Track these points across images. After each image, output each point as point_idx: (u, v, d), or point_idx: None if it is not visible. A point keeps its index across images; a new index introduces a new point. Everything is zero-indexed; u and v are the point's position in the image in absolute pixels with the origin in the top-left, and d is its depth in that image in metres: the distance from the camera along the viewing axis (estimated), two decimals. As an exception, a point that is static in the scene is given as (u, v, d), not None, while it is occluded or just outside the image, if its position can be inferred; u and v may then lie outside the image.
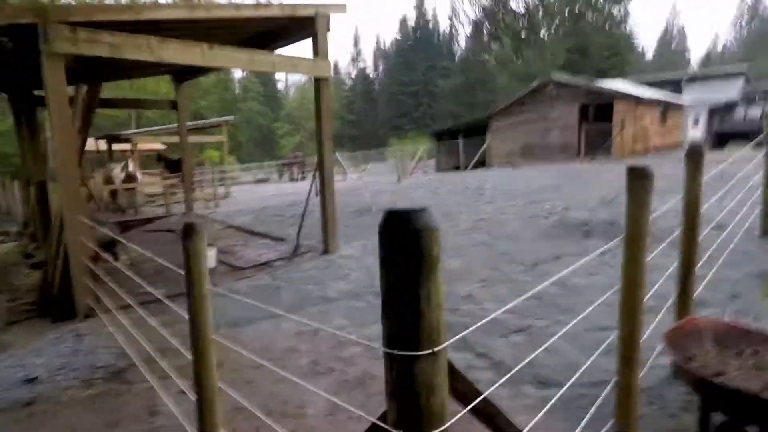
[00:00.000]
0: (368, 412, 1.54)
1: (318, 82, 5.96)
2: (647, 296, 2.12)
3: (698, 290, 4.00)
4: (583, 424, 2.02)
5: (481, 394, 1.51)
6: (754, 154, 5.78)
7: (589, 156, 14.18)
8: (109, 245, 6.57)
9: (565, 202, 8.38)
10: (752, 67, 28.71)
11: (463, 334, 1.62)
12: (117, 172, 11.45)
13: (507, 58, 32.13)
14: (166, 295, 5.20)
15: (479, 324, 1.72)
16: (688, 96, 22.27)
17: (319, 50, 5.85)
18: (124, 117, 30.65)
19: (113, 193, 11.97)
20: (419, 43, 63.28)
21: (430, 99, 59.72)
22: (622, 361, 1.88)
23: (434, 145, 20.33)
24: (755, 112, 19.18)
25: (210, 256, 6.06)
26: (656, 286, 2.91)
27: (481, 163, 16.75)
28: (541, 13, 33.80)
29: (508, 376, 1.86)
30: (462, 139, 16.16)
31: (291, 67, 5.62)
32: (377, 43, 72.93)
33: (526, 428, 1.59)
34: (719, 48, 66.40)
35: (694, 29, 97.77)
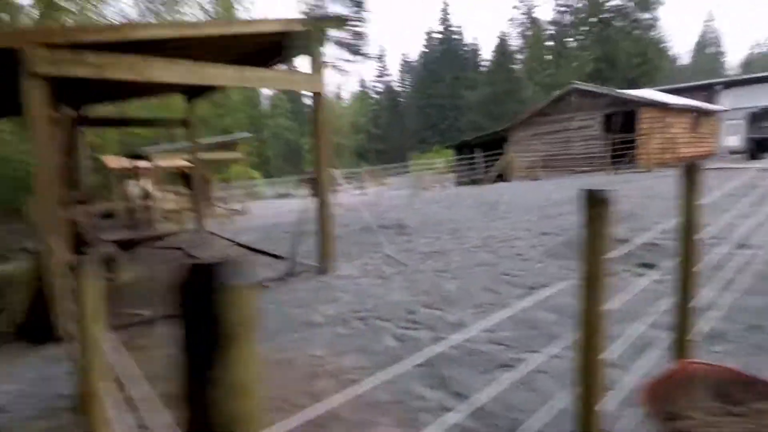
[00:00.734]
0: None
1: (314, 97, 5.83)
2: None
3: (714, 320, 3.58)
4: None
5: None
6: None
7: (613, 168, 13.55)
8: (109, 264, 6.57)
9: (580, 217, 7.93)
10: (795, 71, 27.18)
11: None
12: (133, 189, 11.66)
13: (533, 69, 31.53)
14: (152, 317, 5.14)
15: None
16: (726, 102, 21.18)
17: (314, 65, 5.73)
18: (157, 135, 31.63)
19: (131, 210, 12.20)
20: (445, 55, 63.25)
21: (457, 111, 59.38)
22: None
23: (455, 158, 19.99)
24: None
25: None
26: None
27: (501, 176, 16.30)
28: (568, 21, 33.15)
29: None
30: (481, 151, 15.76)
31: (284, 82, 5.53)
32: (403, 56, 73.27)
33: None
34: (759, 52, 63.50)
35: (733, 34, 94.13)
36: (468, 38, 66.58)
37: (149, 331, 4.62)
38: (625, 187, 10.51)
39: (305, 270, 6.36)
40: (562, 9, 32.38)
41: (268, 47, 6.46)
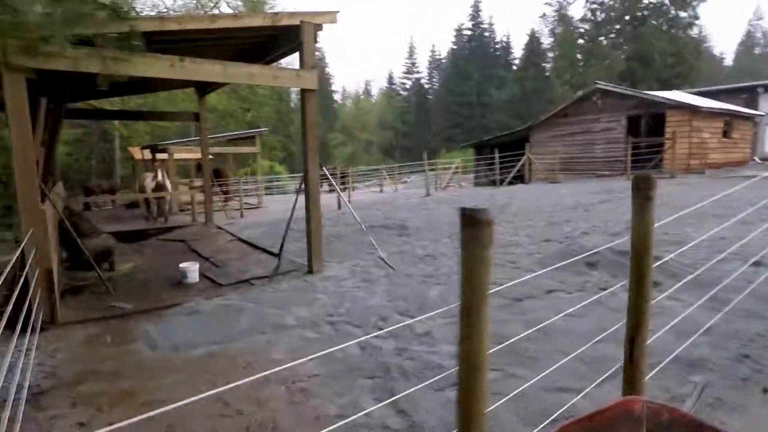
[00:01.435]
0: None
1: (303, 94, 5.72)
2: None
3: (700, 346, 3.29)
4: None
5: None
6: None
7: (636, 172, 12.91)
8: (105, 254, 6.66)
9: (589, 224, 7.58)
10: None
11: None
12: (148, 181, 11.86)
13: (563, 68, 30.56)
14: (136, 309, 5.15)
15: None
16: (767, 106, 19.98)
17: (305, 61, 5.62)
18: (183, 127, 32.29)
19: (147, 201, 12.44)
20: (474, 52, 62.30)
21: (484, 110, 58.47)
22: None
23: (474, 157, 19.60)
24: None
25: (192, 271, 5.96)
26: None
27: (520, 178, 15.86)
28: (600, 19, 31.98)
29: None
30: (498, 152, 15.36)
31: (272, 78, 5.43)
32: (432, 52, 72.46)
33: None
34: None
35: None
36: (500, 35, 65.41)
37: (122, 325, 4.63)
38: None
39: (294, 269, 6.29)
40: (594, 6, 31.19)
41: (265, 43, 6.40)
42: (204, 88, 9.92)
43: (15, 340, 4.01)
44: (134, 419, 1.26)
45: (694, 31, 31.56)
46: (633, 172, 13.30)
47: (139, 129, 25.56)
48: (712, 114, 13.77)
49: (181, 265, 5.98)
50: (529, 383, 2.90)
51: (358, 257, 6.85)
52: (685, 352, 3.20)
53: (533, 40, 51.70)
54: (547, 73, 49.33)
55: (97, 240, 6.55)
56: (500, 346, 3.57)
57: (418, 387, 3.05)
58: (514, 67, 59.80)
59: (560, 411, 2.67)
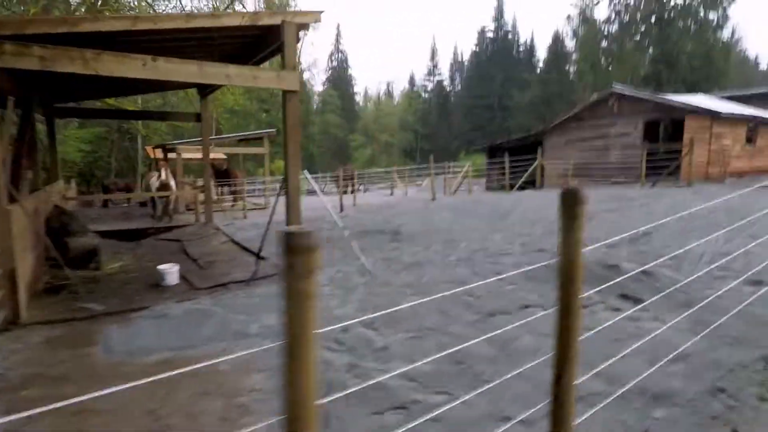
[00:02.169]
0: None
1: (284, 96, 5.59)
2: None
3: (672, 376, 2.99)
4: None
5: None
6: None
7: (650, 180, 12.38)
8: (91, 254, 6.67)
9: (588, 234, 7.21)
10: None
11: None
12: (153, 180, 11.97)
13: (584, 70, 29.76)
14: (105, 311, 5.10)
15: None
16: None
17: (286, 62, 5.49)
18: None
19: (152, 200, 12.58)
20: (497, 54, 61.53)
21: (506, 113, 57.67)
22: None
23: (487, 161, 19.20)
24: None
25: (170, 273, 5.90)
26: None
27: (532, 183, 15.44)
28: (625, 20, 31.02)
29: None
30: (509, 156, 14.98)
31: (251, 79, 5.31)
32: (455, 54, 71.98)
33: None
34: None
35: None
36: (524, 37, 64.50)
37: (87, 327, 4.57)
38: (660, 205, 9.59)
39: (275, 273, 6.16)
40: (619, 7, 30.24)
41: (254, 43, 6.31)
42: (205, 89, 9.93)
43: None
44: None
45: (724, 33, 30.34)
46: (649, 179, 12.76)
47: (158, 128, 26.05)
48: (735, 119, 13.07)
49: (159, 267, 5.92)
50: (473, 407, 2.69)
51: (344, 263, 6.68)
52: (653, 381, 2.92)
53: (557, 42, 50.72)
54: (571, 76, 48.31)
55: (83, 239, 6.57)
56: (457, 367, 3.37)
57: (354, 409, 2.87)
58: (538, 70, 58.80)
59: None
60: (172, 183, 12.30)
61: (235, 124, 38.25)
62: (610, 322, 3.83)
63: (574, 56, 42.17)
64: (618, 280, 4.69)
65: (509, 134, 53.46)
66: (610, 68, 28.46)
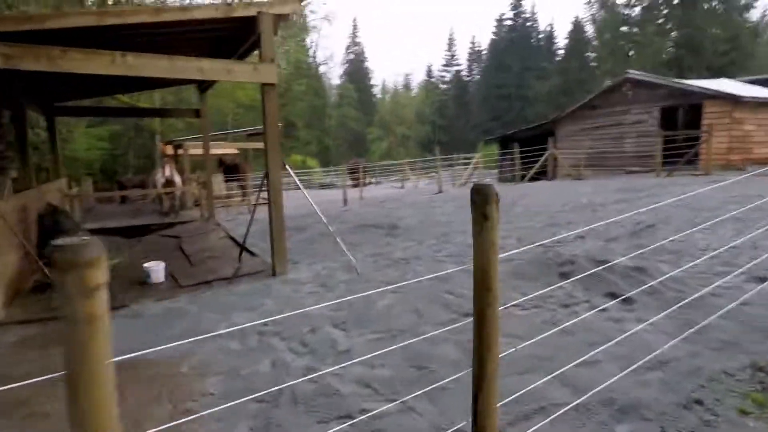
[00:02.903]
0: None
1: (262, 89, 5.45)
2: None
3: (648, 385, 2.74)
4: None
5: None
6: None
7: (666, 169, 11.83)
8: (81, 252, 6.68)
9: (590, 228, 6.90)
10: None
11: None
12: (159, 176, 12.06)
13: (603, 57, 28.69)
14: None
15: None
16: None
17: (263, 54, 5.34)
18: (219, 123, 33.07)
19: (159, 197, 12.70)
20: (515, 43, 60.18)
21: (524, 102, 56.44)
22: None
23: (499, 152, 18.75)
24: None
25: (156, 271, 5.86)
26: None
27: (543, 174, 15.00)
28: (646, 2, 29.73)
29: None
30: (521, 146, 14.56)
31: (225, 73, 5.17)
32: (472, 44, 70.67)
33: None
34: None
35: None
36: (543, 24, 62.87)
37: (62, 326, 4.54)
38: (673, 194, 9.14)
39: (261, 270, 6.07)
40: (640, -11, 29.05)
41: (239, 35, 6.18)
42: (203, 84, 9.89)
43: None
44: None
45: (752, 15, 28.65)
46: (665, 168, 12.21)
47: (173, 125, 26.38)
48: (758, 104, 12.31)
49: (145, 264, 5.90)
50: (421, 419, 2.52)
51: (332, 259, 6.54)
52: (624, 390, 2.68)
53: (577, 28, 49.22)
54: (592, 63, 46.88)
55: (75, 238, 6.58)
56: (418, 372, 3.18)
57: (300, 418, 2.72)
58: (558, 58, 57.29)
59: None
60: (177, 179, 12.37)
61: (251, 119, 38.47)
62: (575, 320, 3.59)
63: (595, 43, 40.81)
64: (593, 274, 4.42)
65: (527, 124, 52.28)
66: (630, 54, 27.30)
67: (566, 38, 52.32)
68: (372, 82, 73.79)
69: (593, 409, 2.58)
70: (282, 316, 4.16)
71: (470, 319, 4.02)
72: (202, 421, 2.82)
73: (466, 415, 2.64)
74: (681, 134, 12.33)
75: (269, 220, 5.87)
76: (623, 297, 4.02)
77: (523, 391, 2.56)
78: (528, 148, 15.45)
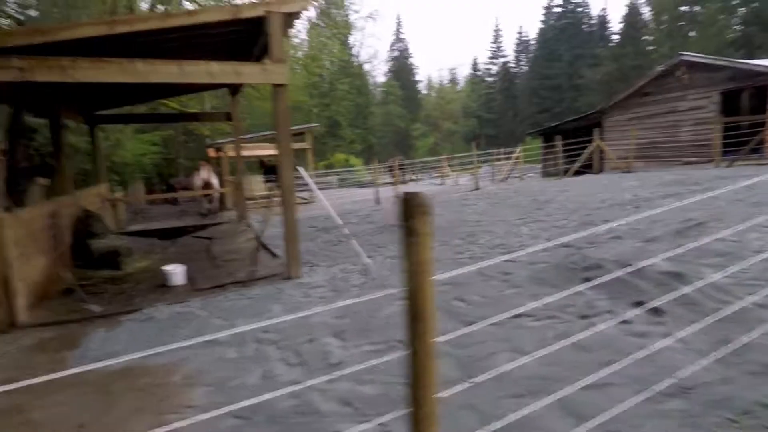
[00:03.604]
0: None
1: (273, 90, 5.37)
2: None
3: (667, 415, 2.36)
4: None
5: None
6: None
7: (727, 158, 10.73)
8: (112, 254, 6.94)
9: (630, 225, 6.31)
10: None
11: None
12: (197, 179, 12.43)
13: (659, 39, 26.66)
14: (102, 313, 5.22)
15: None
16: None
17: (273, 54, 5.25)
18: (264, 123, 33.86)
19: (197, 198, 13.12)
20: (565, 31, 57.58)
21: (575, 92, 53.88)
22: None
23: (542, 145, 17.88)
24: None
25: (175, 274, 5.95)
26: None
27: (589, 167, 14.12)
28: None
29: None
30: (564, 139, 13.77)
31: (234, 75, 5.11)
32: (519, 34, 68.34)
33: None
34: None
35: None
36: (595, 9, 59.69)
37: (77, 330, 4.66)
38: (730, 187, 8.24)
39: (277, 273, 6.01)
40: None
41: (253, 37, 6.15)
42: (234, 87, 10.04)
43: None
44: None
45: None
46: (725, 158, 11.10)
47: (221, 128, 27.32)
48: (840, 83, 10.86)
49: (163, 267, 5.99)
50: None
51: (352, 261, 6.37)
52: (635, 422, 2.32)
53: (633, 11, 46.25)
54: (650, 47, 43.96)
55: (105, 241, 6.84)
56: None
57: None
58: (612, 44, 54.19)
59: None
60: (215, 181, 12.70)
61: (297, 120, 39.21)
62: (591, 334, 3.20)
63: (652, 26, 38.13)
64: (616, 279, 3.97)
65: (577, 116, 49.60)
66: (690, 34, 25.14)
67: (621, 22, 49.32)
68: (417, 78, 73.29)
69: (594, 440, 2.24)
70: (278, 320, 4.04)
71: (470, 329, 3.70)
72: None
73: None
74: (745, 120, 11.14)
75: (284, 224, 5.79)
76: (653, 307, 3.57)
77: (512, 418, 2.26)
78: (572, 140, 14.62)
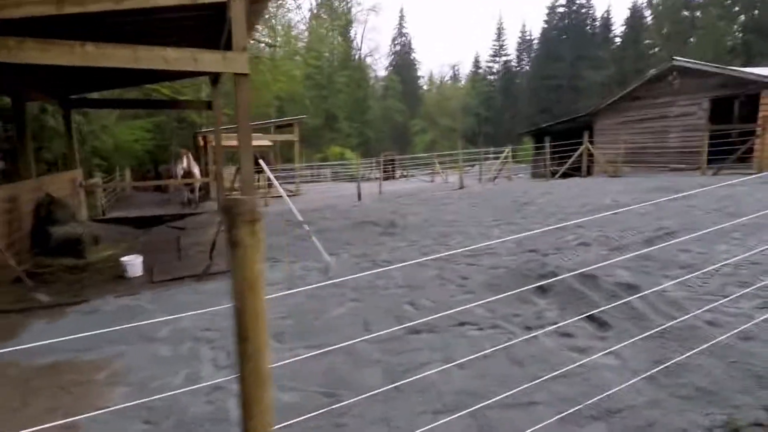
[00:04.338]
0: None
1: (235, 79, 5.20)
2: None
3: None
4: None
5: None
6: None
7: (713, 166, 10.59)
8: (73, 242, 6.78)
9: (601, 232, 6.19)
10: None
11: None
12: (178, 168, 12.25)
13: (657, 43, 26.43)
14: (50, 303, 5.07)
15: None
16: None
17: (234, 42, 5.08)
18: (259, 113, 33.58)
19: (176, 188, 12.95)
20: (568, 31, 57.19)
21: (576, 94, 53.57)
22: None
23: (533, 146, 17.71)
24: None
25: (132, 266, 5.80)
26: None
27: (578, 170, 13.99)
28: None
29: None
30: (552, 140, 13.62)
31: (192, 62, 4.93)
32: (522, 33, 67.86)
33: None
34: None
35: None
36: (599, 11, 59.26)
37: (20, 320, 4.52)
38: (710, 197, 8.14)
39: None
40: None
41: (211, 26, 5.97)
42: (216, 76, 9.84)
43: None
44: None
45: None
46: (712, 165, 10.97)
47: (212, 116, 27.00)
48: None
49: (121, 258, 5.84)
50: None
51: (316, 258, 6.23)
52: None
53: (635, 14, 45.92)
54: (652, 51, 43.72)
55: (66, 228, 6.67)
56: (327, 399, 2.79)
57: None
58: (614, 47, 53.90)
59: None
60: (196, 171, 12.53)
61: (292, 112, 38.92)
62: (531, 348, 3.07)
63: (653, 29, 37.83)
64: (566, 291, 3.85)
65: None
66: (691, 40, 24.89)
67: (623, 25, 48.99)
68: (418, 73, 72.88)
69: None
70: (213, 308, 3.90)
71: (418, 336, 3.56)
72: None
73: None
74: (734, 128, 11.00)
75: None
76: (601, 320, 3.44)
77: (419, 438, 2.14)
78: (562, 142, 14.48)
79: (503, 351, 3.11)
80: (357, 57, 55.43)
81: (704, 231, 5.21)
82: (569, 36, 56.37)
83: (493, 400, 2.45)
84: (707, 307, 3.46)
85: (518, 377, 2.80)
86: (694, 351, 2.80)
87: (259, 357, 1.17)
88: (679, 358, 2.75)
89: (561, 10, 58.84)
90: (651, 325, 3.29)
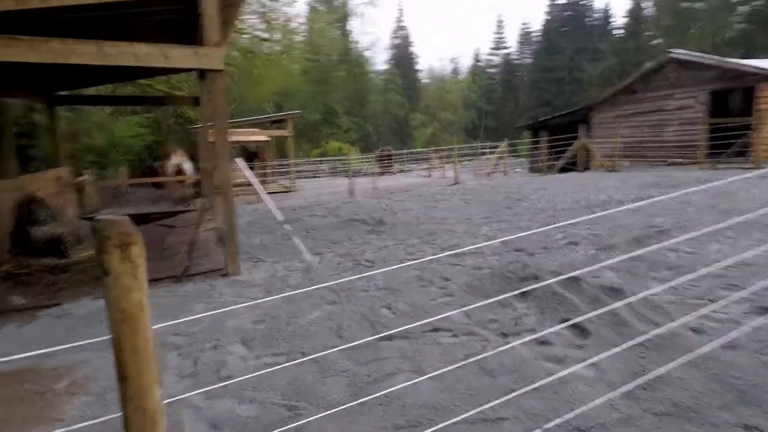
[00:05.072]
0: None
1: (208, 76, 5.05)
2: None
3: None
4: None
5: None
6: None
7: (711, 161, 10.41)
8: (54, 242, 6.66)
9: (591, 230, 6.05)
10: None
11: None
12: (169, 164, 12.13)
13: (655, 35, 26.09)
14: (23, 306, 4.96)
15: None
16: None
17: (206, 37, 4.93)
18: (258, 109, 33.39)
19: (172, 185, 12.82)
20: (569, 23, 56.72)
21: (576, 86, 53.21)
22: None
23: (530, 140, 17.52)
24: None
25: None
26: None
27: (574, 164, 13.81)
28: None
29: None
30: (549, 134, 13.44)
31: (162, 59, 4.78)
32: (523, 25, 67.38)
33: None
34: None
35: None
36: (600, 2, 58.66)
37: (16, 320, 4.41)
38: (707, 191, 7.95)
39: (214, 269, 5.74)
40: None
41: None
42: (203, 71, 9.67)
43: None
44: None
45: None
46: (709, 160, 10.78)
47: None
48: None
49: (99, 259, 5.71)
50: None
51: (297, 258, 6.10)
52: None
53: (636, 5, 45.38)
54: (654, 42, 43.24)
55: (46, 228, 6.56)
56: (288, 413, 2.67)
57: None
58: (614, 39, 53.40)
59: None
60: (187, 167, 12.42)
61: (290, 107, 38.72)
62: (505, 357, 2.94)
63: (654, 21, 37.36)
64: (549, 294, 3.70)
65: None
66: (691, 32, 24.51)
67: (624, 16, 48.47)
68: (418, 67, 72.42)
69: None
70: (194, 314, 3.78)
71: (390, 342, 3.42)
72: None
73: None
74: (732, 122, 10.79)
75: (222, 218, 5.50)
76: (580, 327, 3.30)
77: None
78: (559, 136, 14.29)
79: (476, 361, 2.97)
80: (356, 51, 55.00)
81: (697, 232, 5.05)
82: (570, 28, 55.91)
83: (460, 417, 2.32)
84: (693, 313, 3.32)
85: (488, 390, 2.67)
86: (674, 362, 2.66)
87: (143, 397, 1.04)
88: (658, 370, 2.61)
89: (562, 1, 58.32)
90: (632, 333, 3.15)
